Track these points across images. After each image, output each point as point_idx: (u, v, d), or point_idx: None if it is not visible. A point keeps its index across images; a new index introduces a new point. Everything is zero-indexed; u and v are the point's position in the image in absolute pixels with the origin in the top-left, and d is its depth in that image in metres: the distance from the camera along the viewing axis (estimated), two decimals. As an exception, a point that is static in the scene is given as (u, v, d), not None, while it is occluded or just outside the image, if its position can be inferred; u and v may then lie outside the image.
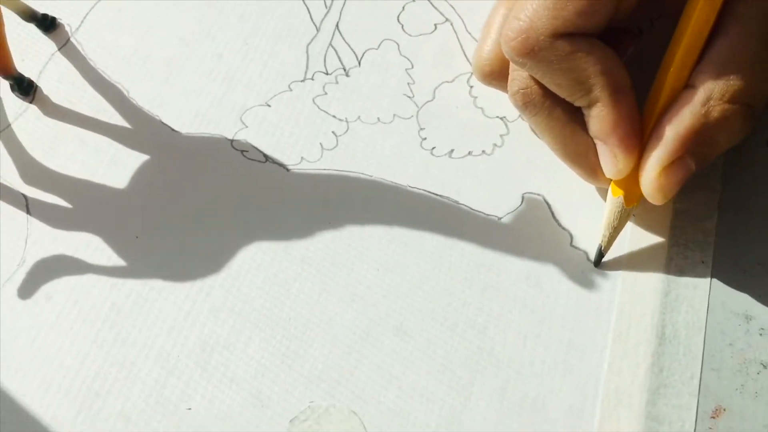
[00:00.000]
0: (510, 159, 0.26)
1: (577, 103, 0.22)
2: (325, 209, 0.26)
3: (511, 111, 0.27)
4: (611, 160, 0.22)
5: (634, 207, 0.22)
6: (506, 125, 0.27)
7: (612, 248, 0.23)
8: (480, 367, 0.23)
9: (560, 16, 0.20)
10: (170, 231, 0.26)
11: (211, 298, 0.24)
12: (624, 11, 0.22)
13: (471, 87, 0.28)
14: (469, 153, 0.26)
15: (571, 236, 0.24)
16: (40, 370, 0.24)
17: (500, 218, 0.25)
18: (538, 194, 0.25)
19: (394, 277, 0.24)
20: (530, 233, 0.25)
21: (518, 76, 0.22)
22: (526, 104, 0.22)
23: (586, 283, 0.24)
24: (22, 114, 0.29)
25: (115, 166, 0.27)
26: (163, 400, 0.23)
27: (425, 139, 0.27)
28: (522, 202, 0.25)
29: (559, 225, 0.25)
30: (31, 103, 0.29)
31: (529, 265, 0.24)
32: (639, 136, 0.22)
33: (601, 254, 0.23)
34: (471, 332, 0.23)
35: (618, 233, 0.23)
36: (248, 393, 0.23)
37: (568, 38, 0.20)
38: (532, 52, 0.20)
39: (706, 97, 0.21)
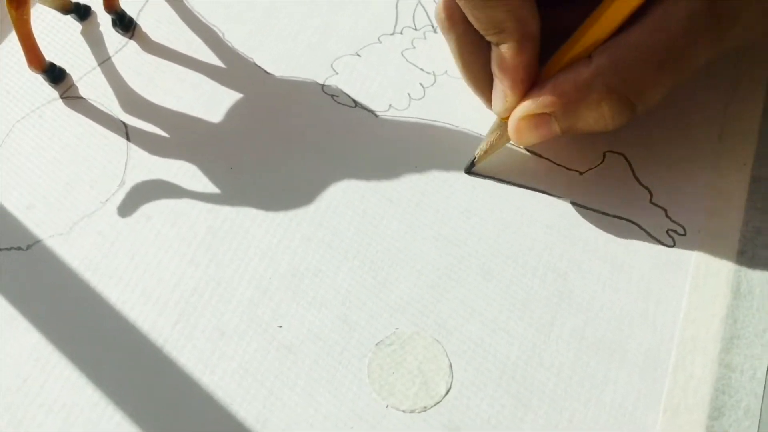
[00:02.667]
0: (593, 119, 0.27)
1: (487, 38, 0.23)
2: (412, 154, 0.27)
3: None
4: (501, 97, 0.23)
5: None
6: (590, 87, 0.28)
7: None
8: (560, 308, 0.24)
9: None
10: (262, 165, 0.27)
11: (302, 228, 0.26)
12: None
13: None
14: (553, 111, 0.27)
15: (651, 193, 0.25)
16: (140, 283, 0.25)
17: (582, 173, 0.26)
18: (620, 153, 0.26)
19: (477, 221, 0.25)
20: (611, 189, 0.26)
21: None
22: (446, 21, 0.23)
23: (665, 238, 0.25)
24: (121, 48, 0.30)
25: (210, 102, 0.29)
26: (255, 317, 0.24)
27: (510, 95, 0.28)
28: (603, 159, 0.26)
29: (639, 182, 0.26)
30: (130, 38, 0.30)
31: (609, 218, 0.25)
32: (530, 83, 0.23)
33: (473, 164, 0.26)
34: (552, 275, 0.24)
35: (492, 152, 0.25)
36: (336, 317, 0.24)
37: None
38: None
39: (593, 75, 0.21)
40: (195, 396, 0.23)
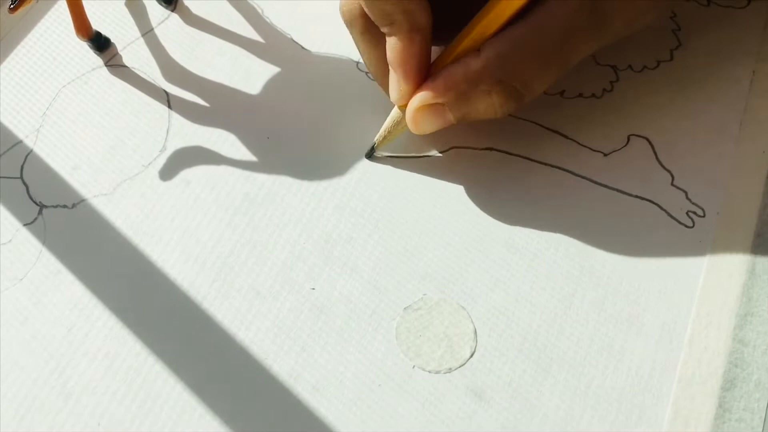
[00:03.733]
0: (618, 103, 0.28)
1: (382, 30, 0.24)
2: (442, 132, 0.28)
3: (622, 60, 0.29)
4: (396, 86, 0.24)
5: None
6: (616, 73, 0.29)
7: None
8: (581, 282, 0.25)
9: None
10: (298, 136, 0.28)
11: (335, 198, 0.27)
12: None
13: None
14: (580, 95, 0.29)
15: (672, 176, 0.26)
16: (180, 243, 0.26)
17: (606, 154, 0.27)
18: (644, 136, 0.27)
19: (503, 196, 0.27)
20: (633, 170, 0.27)
21: None
22: (345, 19, 0.25)
23: (685, 219, 0.26)
24: (164, 21, 0.31)
25: (248, 75, 0.30)
26: (289, 279, 0.25)
27: (539, 78, 0.29)
28: (627, 142, 0.27)
29: (662, 165, 0.27)
30: (173, 11, 0.32)
31: (631, 198, 0.26)
32: (422, 75, 0.24)
33: (372, 149, 0.27)
34: (573, 250, 0.25)
35: (391, 138, 0.27)
36: (366, 281, 0.25)
37: None
38: None
39: (482, 66, 0.22)
40: (231, 350, 0.24)
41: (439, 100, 0.23)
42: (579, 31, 0.22)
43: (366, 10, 0.24)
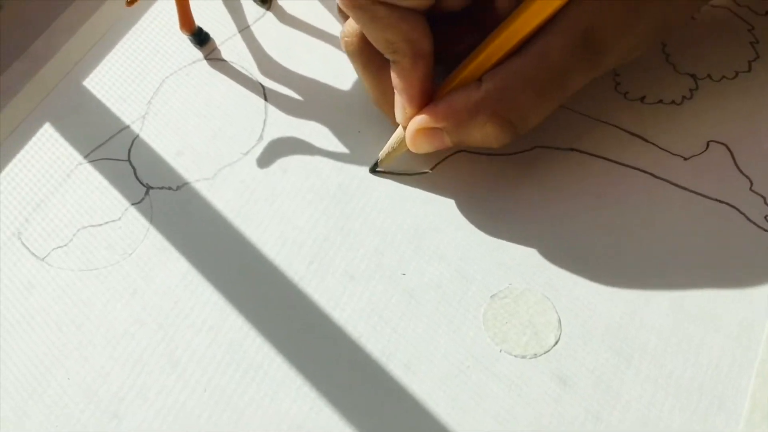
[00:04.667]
0: (698, 110, 0.29)
1: (386, 56, 0.25)
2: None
3: (702, 69, 0.30)
4: (401, 109, 0.26)
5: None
6: (696, 81, 0.30)
7: None
8: (662, 278, 0.26)
9: None
10: (387, 130, 0.30)
11: (424, 190, 0.28)
12: (451, 7, 0.25)
13: (664, 45, 0.31)
14: (660, 101, 0.30)
15: (751, 182, 0.28)
16: (278, 227, 0.28)
17: (686, 159, 0.28)
18: (723, 143, 0.28)
19: (584, 195, 0.28)
20: (713, 175, 0.28)
21: (349, 25, 0.26)
22: (348, 50, 0.27)
23: (763, 223, 0.27)
24: (260, 18, 0.33)
25: (338, 72, 0.32)
26: (381, 265, 0.27)
27: (619, 84, 0.30)
28: (707, 147, 0.29)
29: (740, 171, 0.28)
30: (268, 10, 0.33)
31: (710, 201, 0.27)
32: (426, 97, 0.25)
33: (376, 164, 0.28)
34: (656, 249, 0.27)
35: (394, 156, 0.28)
36: (454, 269, 0.27)
37: (386, 5, 0.24)
38: (355, 7, 0.24)
39: (482, 98, 0.24)
40: (327, 327, 0.26)
41: (438, 125, 0.25)
42: (575, 64, 0.23)
43: (370, 40, 0.25)
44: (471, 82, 0.25)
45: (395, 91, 0.26)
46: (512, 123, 0.24)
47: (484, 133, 0.25)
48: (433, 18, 0.25)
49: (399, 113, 0.26)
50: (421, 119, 0.25)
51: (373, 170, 0.29)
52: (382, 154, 0.28)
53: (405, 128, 0.27)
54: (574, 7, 0.23)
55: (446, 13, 0.26)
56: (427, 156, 0.28)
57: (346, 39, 0.27)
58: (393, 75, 0.26)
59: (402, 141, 0.27)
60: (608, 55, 0.24)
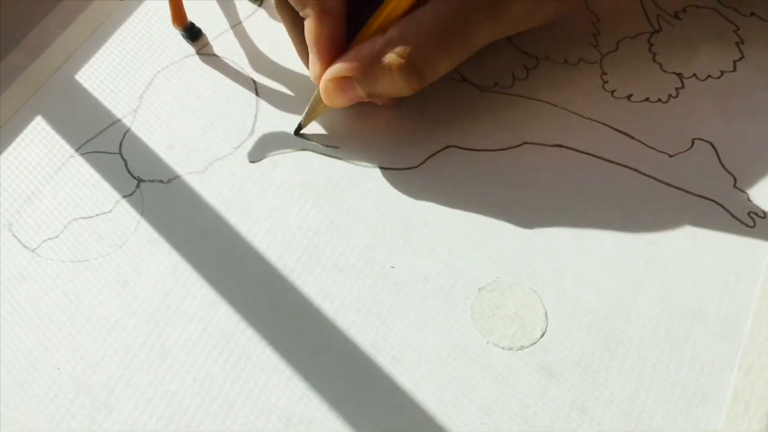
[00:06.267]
0: (683, 109, 0.30)
1: (300, 14, 0.26)
2: (516, 128, 0.30)
3: (687, 69, 0.31)
4: (312, 65, 0.27)
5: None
6: (682, 80, 0.31)
7: None
8: (646, 273, 0.26)
9: None
10: (379, 125, 0.30)
11: (413, 185, 0.29)
12: None
13: (651, 44, 0.32)
14: (647, 99, 0.30)
15: (735, 178, 0.28)
16: (268, 219, 0.28)
17: (671, 156, 0.29)
18: (707, 141, 0.29)
19: (571, 190, 0.28)
20: (697, 171, 0.28)
21: None
22: (276, 7, 0.28)
23: (746, 219, 0.27)
24: (251, 15, 0.34)
25: (330, 68, 0.32)
26: (371, 258, 0.27)
27: (607, 82, 0.31)
28: (692, 145, 0.29)
29: (725, 168, 0.28)
30: (259, 6, 0.34)
31: (695, 198, 0.28)
32: (334, 53, 0.26)
33: (300, 127, 0.30)
34: (640, 244, 0.27)
35: (315, 116, 0.29)
36: (443, 263, 0.27)
37: None
38: None
39: (385, 45, 0.25)
40: (316, 319, 0.26)
41: (348, 74, 0.26)
42: (475, 15, 0.24)
43: None
44: (378, 32, 0.26)
45: (308, 46, 0.27)
46: (418, 69, 0.25)
47: (391, 80, 0.25)
48: None
49: (311, 70, 0.27)
50: (332, 69, 0.26)
51: (297, 133, 0.30)
52: (304, 115, 0.29)
53: (318, 84, 0.28)
54: None
55: None
56: (414, 150, 0.29)
57: None
58: (305, 31, 0.27)
59: (320, 100, 0.28)
60: (511, 10, 0.25)
